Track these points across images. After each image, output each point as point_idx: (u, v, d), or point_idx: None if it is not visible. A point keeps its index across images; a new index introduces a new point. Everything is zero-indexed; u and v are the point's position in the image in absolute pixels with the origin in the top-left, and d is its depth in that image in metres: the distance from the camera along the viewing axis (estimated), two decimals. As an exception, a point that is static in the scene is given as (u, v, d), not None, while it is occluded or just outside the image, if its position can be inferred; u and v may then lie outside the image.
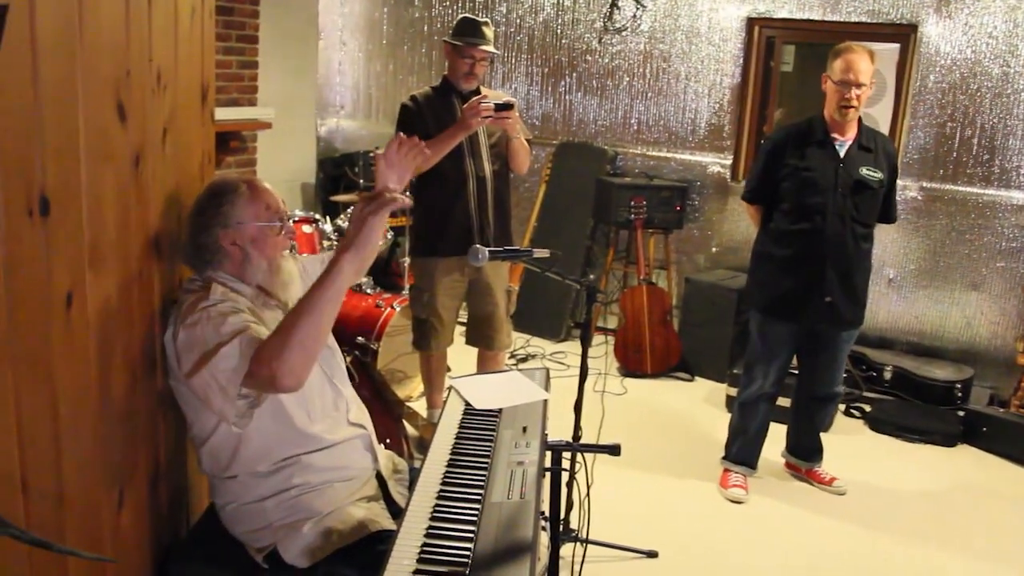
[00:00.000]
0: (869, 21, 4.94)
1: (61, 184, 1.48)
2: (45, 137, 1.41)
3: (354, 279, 1.77)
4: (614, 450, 2.05)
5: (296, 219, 4.13)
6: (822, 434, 3.87)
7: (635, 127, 5.70)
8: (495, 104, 3.37)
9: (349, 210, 4.61)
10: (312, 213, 4.39)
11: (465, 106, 3.42)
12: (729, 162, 5.46)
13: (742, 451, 3.75)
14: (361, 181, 5.54)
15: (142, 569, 1.99)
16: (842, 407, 4.66)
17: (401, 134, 2.01)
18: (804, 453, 3.85)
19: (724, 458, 3.80)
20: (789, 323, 3.54)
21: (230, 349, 1.78)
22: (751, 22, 5.26)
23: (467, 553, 1.56)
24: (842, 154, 3.38)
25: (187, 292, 1.97)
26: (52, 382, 1.49)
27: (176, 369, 1.88)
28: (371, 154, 5.52)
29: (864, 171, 3.38)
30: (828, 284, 3.41)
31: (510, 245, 3.73)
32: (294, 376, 1.73)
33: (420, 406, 4.16)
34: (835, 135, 3.40)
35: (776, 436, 3.85)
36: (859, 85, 3.29)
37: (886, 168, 3.43)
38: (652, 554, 3.14)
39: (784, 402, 3.90)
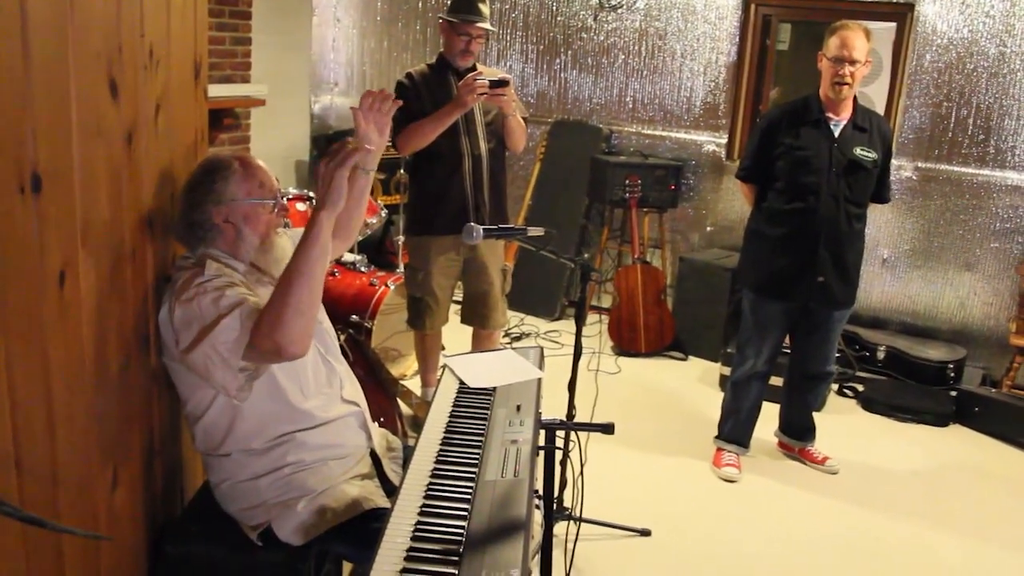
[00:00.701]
0: (866, 0, 4.91)
1: (53, 161, 1.46)
2: (37, 114, 1.40)
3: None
4: (608, 429, 2.05)
5: (290, 197, 4.11)
6: (815, 413, 3.89)
7: (630, 105, 5.67)
8: (490, 81, 3.34)
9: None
10: (306, 190, 4.36)
11: (460, 83, 3.40)
12: (724, 141, 5.45)
13: (735, 430, 3.77)
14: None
15: (136, 547, 2.00)
16: (835, 386, 4.67)
17: (371, 88, 2.02)
18: (797, 432, 3.87)
19: (717, 437, 3.82)
20: (782, 302, 3.54)
21: (231, 321, 1.79)
22: (747, 0, 5.23)
23: (461, 531, 1.57)
24: (837, 134, 3.38)
25: (181, 269, 1.96)
26: (45, 360, 1.49)
27: (172, 346, 1.88)
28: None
29: (858, 151, 3.37)
30: (821, 264, 3.42)
31: (505, 223, 3.72)
32: (296, 343, 1.76)
33: (414, 384, 4.17)
34: (830, 114, 3.39)
35: (769, 415, 3.86)
36: (853, 62, 3.27)
37: (881, 148, 3.43)
38: (645, 532, 3.16)
39: (777, 381, 3.92)
